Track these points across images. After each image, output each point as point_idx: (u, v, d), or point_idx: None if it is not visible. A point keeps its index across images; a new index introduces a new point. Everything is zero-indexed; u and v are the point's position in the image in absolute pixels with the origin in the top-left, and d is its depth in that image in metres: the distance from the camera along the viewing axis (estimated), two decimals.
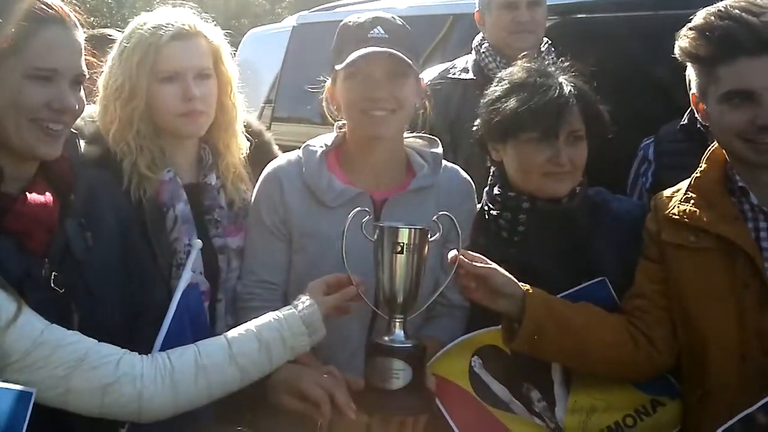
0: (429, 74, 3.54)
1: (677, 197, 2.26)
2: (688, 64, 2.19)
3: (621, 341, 2.20)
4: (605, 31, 3.76)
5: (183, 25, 2.39)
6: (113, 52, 2.45)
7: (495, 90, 2.41)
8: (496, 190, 2.43)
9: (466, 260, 2.11)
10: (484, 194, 2.50)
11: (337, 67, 2.34)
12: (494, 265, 2.14)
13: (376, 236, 2.12)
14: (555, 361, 2.25)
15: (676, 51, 2.19)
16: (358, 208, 2.16)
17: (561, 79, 2.34)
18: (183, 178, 2.46)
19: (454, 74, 3.60)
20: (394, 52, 2.28)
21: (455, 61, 3.68)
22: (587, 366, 2.22)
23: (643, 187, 3.00)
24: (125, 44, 2.40)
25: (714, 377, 2.14)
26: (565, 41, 3.52)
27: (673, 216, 2.22)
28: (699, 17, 2.14)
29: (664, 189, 2.35)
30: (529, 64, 2.44)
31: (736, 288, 2.12)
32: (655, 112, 3.23)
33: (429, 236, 2.13)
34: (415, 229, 2.10)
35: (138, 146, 2.37)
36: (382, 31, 2.32)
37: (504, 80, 2.42)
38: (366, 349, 2.19)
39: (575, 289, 2.27)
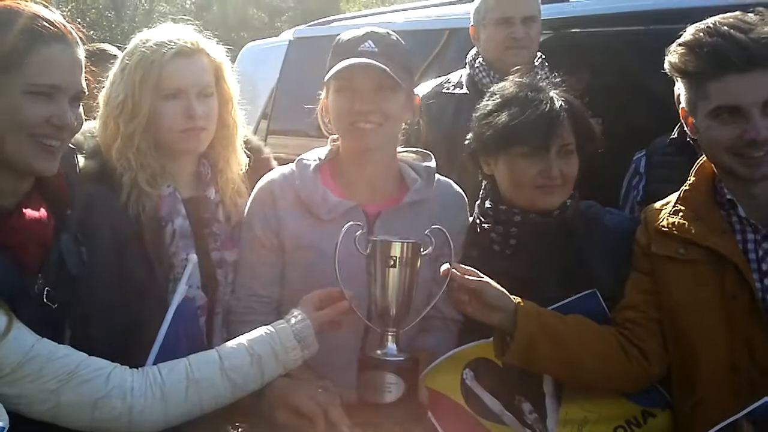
0: (423, 88, 3.57)
1: (666, 210, 2.28)
2: (678, 79, 2.21)
3: (612, 353, 2.22)
4: (598, 45, 3.79)
5: (185, 42, 2.39)
6: (115, 68, 2.45)
7: (487, 104, 2.43)
8: (487, 204, 2.45)
9: (459, 274, 2.12)
10: (476, 207, 2.52)
11: (325, 78, 2.36)
12: (486, 279, 2.15)
13: (368, 250, 2.13)
14: (547, 373, 2.26)
15: (666, 66, 2.20)
16: (351, 222, 2.17)
17: (552, 93, 2.36)
18: (182, 193, 2.46)
19: (448, 89, 3.62)
20: (376, 63, 2.29)
21: (449, 76, 3.70)
22: (579, 378, 2.23)
23: (635, 200, 3.02)
24: (127, 61, 2.40)
25: (704, 387, 2.15)
26: (559, 56, 3.55)
27: (663, 228, 2.24)
28: (688, 33, 2.15)
29: (655, 202, 2.37)
30: (520, 79, 2.46)
31: (725, 299, 2.13)
32: (647, 125, 3.25)
33: (421, 250, 2.15)
34: (407, 243, 2.11)
35: (138, 163, 2.37)
36: (372, 45, 2.33)
37: (496, 95, 2.44)
38: (359, 362, 2.19)
39: (566, 301, 2.29)
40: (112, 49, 3.82)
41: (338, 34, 2.47)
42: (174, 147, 2.44)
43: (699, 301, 2.16)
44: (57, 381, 1.81)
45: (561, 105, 2.33)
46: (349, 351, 2.35)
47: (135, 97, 2.35)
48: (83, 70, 1.93)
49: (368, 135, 2.35)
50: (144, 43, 2.39)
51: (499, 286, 2.15)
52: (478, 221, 2.49)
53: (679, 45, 2.16)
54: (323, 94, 2.47)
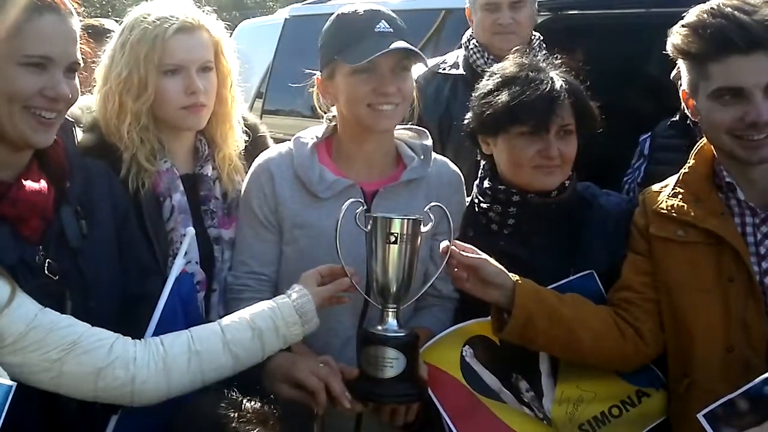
0: (419, 68, 3.55)
1: (665, 192, 2.28)
2: (680, 61, 2.21)
3: (609, 332, 2.23)
4: (596, 27, 3.80)
5: (187, 17, 2.37)
6: (113, 42, 2.42)
7: (487, 84, 2.43)
8: (486, 183, 2.45)
9: (458, 250, 2.14)
10: (474, 187, 2.52)
11: (352, 63, 2.27)
12: (485, 256, 2.16)
13: (369, 227, 2.14)
14: (543, 350, 2.28)
15: (668, 47, 2.20)
16: (353, 199, 2.17)
17: (552, 73, 2.36)
18: (179, 169, 2.46)
19: (444, 69, 3.60)
20: (415, 48, 2.28)
21: (445, 56, 3.69)
22: (575, 356, 2.25)
23: (635, 181, 3.02)
24: (128, 35, 2.37)
25: (700, 368, 2.17)
26: (556, 38, 3.54)
27: (662, 210, 2.25)
28: (692, 14, 2.15)
29: (654, 183, 2.38)
30: (520, 59, 2.46)
31: (722, 281, 2.15)
32: (647, 108, 3.26)
33: (421, 226, 2.15)
34: (408, 219, 2.11)
35: (140, 138, 2.36)
36: (387, 25, 2.30)
37: (496, 74, 2.43)
38: (360, 338, 2.20)
39: (564, 281, 2.30)
40: (109, 23, 3.79)
41: (334, 13, 2.43)
42: (175, 124, 2.43)
43: (696, 283, 2.18)
44: (60, 350, 1.80)
45: (561, 85, 2.33)
46: (346, 332, 2.37)
47: (140, 72, 2.33)
48: (78, 41, 1.91)
49: (387, 116, 2.33)
50: (145, 17, 2.36)
51: (497, 264, 2.17)
52: (476, 201, 2.49)
53: (682, 26, 2.15)
54: (320, 73, 2.44)
